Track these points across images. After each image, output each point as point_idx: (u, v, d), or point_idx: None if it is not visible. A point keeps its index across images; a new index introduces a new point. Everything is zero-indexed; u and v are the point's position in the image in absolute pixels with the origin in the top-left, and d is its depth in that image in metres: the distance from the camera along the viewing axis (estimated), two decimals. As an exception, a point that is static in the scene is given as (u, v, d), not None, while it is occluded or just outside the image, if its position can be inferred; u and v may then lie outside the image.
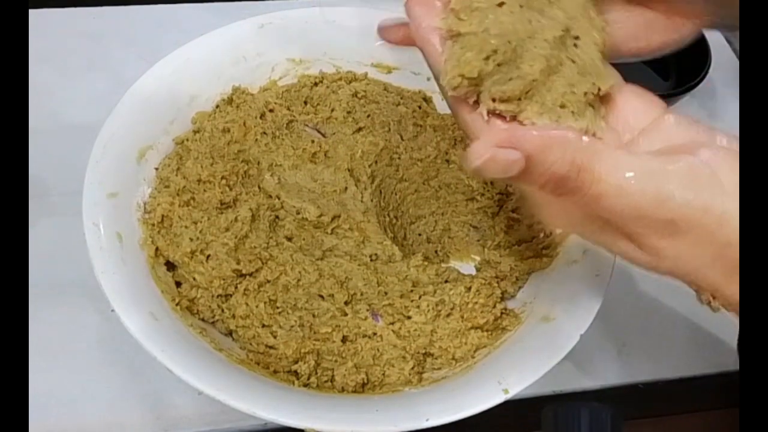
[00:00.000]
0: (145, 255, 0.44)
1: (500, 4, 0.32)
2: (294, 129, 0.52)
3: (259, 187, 0.48)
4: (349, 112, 0.53)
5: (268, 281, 0.44)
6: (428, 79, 0.56)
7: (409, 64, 0.55)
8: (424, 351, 0.44)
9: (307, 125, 0.53)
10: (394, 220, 0.51)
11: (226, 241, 0.44)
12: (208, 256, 0.44)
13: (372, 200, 0.49)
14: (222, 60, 0.52)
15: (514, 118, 0.33)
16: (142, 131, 0.47)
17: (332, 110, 0.53)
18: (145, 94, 0.48)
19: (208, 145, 0.49)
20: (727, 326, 0.54)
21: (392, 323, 0.44)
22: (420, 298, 0.45)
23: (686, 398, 0.51)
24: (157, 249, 0.44)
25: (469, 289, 0.45)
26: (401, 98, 0.55)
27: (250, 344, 0.43)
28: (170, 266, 0.45)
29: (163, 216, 0.45)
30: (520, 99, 0.32)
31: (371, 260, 0.47)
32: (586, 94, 0.32)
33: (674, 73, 0.64)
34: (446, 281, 0.46)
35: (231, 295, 0.44)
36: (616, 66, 0.35)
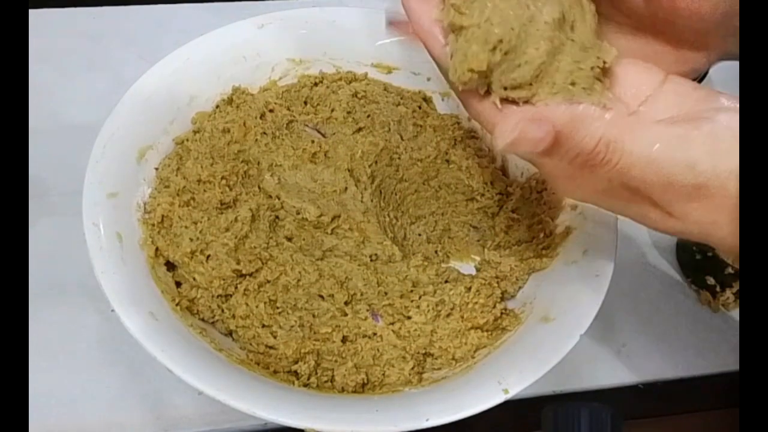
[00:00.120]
0: (145, 255, 0.44)
1: None
2: (294, 129, 0.52)
3: (259, 188, 0.48)
4: (349, 112, 0.53)
5: (268, 281, 0.44)
6: (428, 79, 0.56)
7: (409, 64, 0.55)
8: (424, 351, 0.44)
9: (307, 125, 0.53)
10: (394, 221, 0.51)
11: (226, 242, 0.44)
12: (208, 256, 0.44)
13: (372, 200, 0.49)
14: (222, 60, 0.52)
15: (527, 102, 0.33)
16: (142, 131, 0.47)
17: (332, 110, 0.53)
18: (145, 94, 0.48)
19: (208, 145, 0.49)
20: (727, 326, 0.55)
21: (392, 323, 0.44)
22: (420, 298, 0.45)
23: (686, 398, 0.51)
24: (157, 249, 0.44)
25: (469, 289, 0.45)
26: (401, 98, 0.55)
27: (250, 344, 0.43)
28: (170, 266, 0.45)
29: (163, 216, 0.45)
30: (531, 83, 0.32)
31: (371, 260, 0.47)
32: (592, 68, 0.33)
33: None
34: (446, 281, 0.46)
35: (231, 296, 0.44)
36: None
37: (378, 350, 0.43)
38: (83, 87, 0.61)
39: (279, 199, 0.48)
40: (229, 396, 0.36)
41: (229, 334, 0.44)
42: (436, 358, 0.44)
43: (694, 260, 0.56)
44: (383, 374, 0.42)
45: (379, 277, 0.46)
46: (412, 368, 0.42)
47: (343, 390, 0.42)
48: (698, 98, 0.33)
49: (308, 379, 0.41)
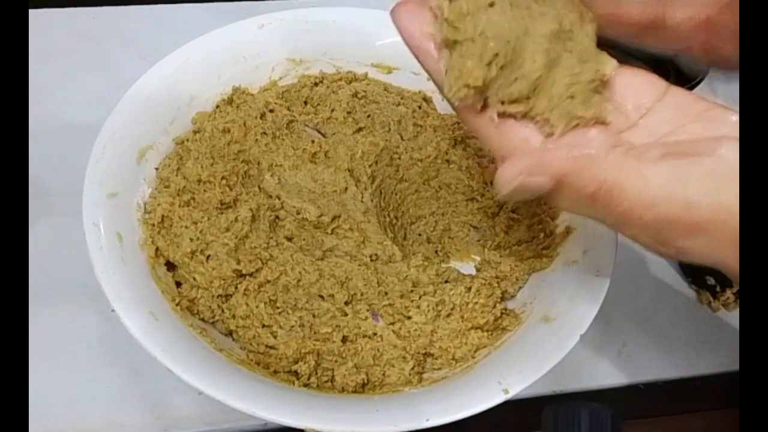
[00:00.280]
0: (145, 255, 0.44)
1: (491, 5, 0.31)
2: (294, 129, 0.52)
3: (259, 188, 0.48)
4: (349, 113, 0.53)
5: (269, 281, 0.44)
6: (428, 79, 0.56)
7: (409, 64, 0.55)
8: (424, 351, 0.44)
9: (307, 125, 0.53)
10: (394, 221, 0.51)
11: (227, 242, 0.44)
12: (209, 256, 0.44)
13: (372, 200, 0.49)
14: (222, 60, 0.52)
15: (524, 116, 0.32)
16: (142, 131, 0.47)
17: (332, 110, 0.53)
18: (145, 94, 0.48)
19: (208, 145, 0.49)
20: (727, 326, 0.55)
21: (392, 323, 0.44)
22: (420, 298, 0.45)
23: (686, 398, 0.51)
24: (157, 249, 0.44)
25: (469, 289, 0.45)
26: (401, 98, 0.55)
27: (250, 344, 0.43)
28: (170, 266, 0.45)
29: (163, 216, 0.45)
30: (528, 97, 0.32)
31: (371, 260, 0.47)
32: (590, 81, 0.32)
33: (674, 73, 0.64)
34: (446, 281, 0.46)
35: (231, 296, 0.44)
36: None
37: (378, 350, 0.43)
38: (83, 87, 0.61)
39: (279, 199, 0.48)
40: (229, 396, 0.36)
41: (229, 334, 0.44)
42: (436, 358, 0.44)
43: (694, 260, 0.56)
44: (383, 374, 0.42)
45: (379, 277, 0.46)
46: (412, 368, 0.42)
47: (343, 390, 0.42)
48: (699, 113, 0.32)
49: (308, 379, 0.41)
